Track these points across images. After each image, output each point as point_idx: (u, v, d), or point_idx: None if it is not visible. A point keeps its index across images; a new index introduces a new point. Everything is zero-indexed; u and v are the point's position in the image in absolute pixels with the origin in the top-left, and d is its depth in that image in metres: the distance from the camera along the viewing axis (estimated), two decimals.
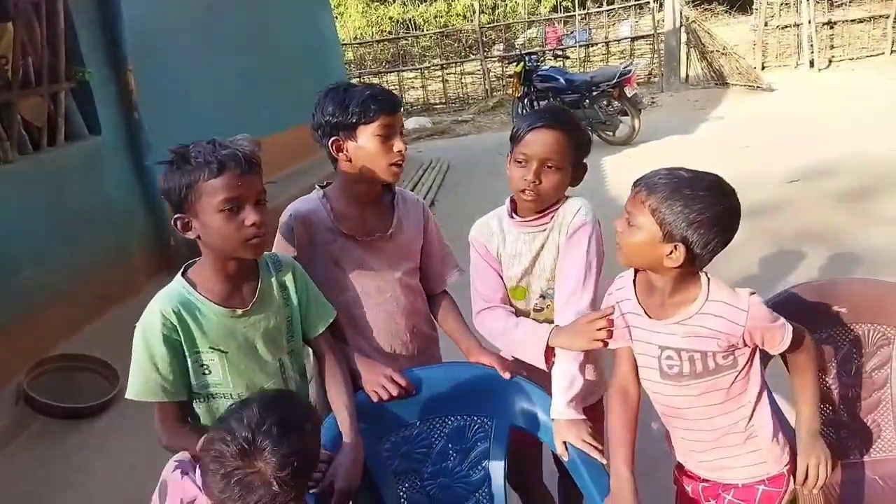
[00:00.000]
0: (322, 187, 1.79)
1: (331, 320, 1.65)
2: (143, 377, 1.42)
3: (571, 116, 1.73)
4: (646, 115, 9.03)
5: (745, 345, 1.40)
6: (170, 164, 1.39)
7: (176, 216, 1.40)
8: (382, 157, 1.65)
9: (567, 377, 1.59)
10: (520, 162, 1.64)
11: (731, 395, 1.44)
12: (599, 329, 1.51)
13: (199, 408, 1.50)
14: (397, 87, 14.31)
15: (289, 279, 1.58)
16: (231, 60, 6.29)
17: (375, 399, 1.64)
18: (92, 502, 2.85)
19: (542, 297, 1.78)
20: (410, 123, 12.26)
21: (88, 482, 2.97)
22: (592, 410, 1.85)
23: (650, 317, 1.44)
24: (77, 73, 4.44)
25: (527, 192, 1.63)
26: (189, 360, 1.45)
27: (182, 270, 1.50)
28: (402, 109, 1.70)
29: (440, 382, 1.70)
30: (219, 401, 1.48)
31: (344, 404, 1.59)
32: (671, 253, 1.32)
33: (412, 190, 7.19)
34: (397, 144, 1.66)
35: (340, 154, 1.68)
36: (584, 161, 1.71)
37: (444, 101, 14.38)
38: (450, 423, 1.69)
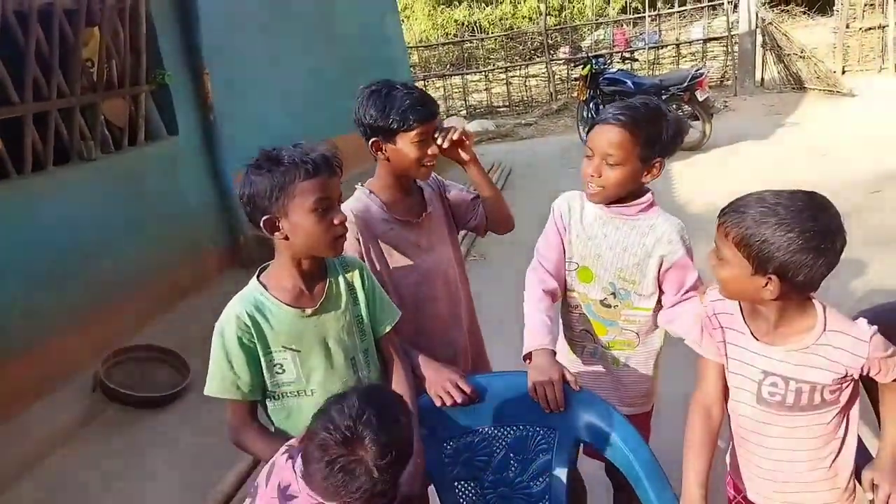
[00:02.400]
0: (362, 184, 1.89)
1: (396, 320, 1.67)
2: (220, 376, 1.49)
3: (650, 111, 1.67)
4: (718, 120, 8.74)
5: (860, 376, 1.33)
6: (257, 167, 1.44)
7: (265, 217, 1.44)
8: (418, 160, 1.75)
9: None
10: (588, 156, 1.70)
11: (826, 431, 1.37)
12: None
13: (273, 406, 1.55)
14: (461, 89, 14.34)
15: (356, 279, 1.62)
16: (300, 63, 6.44)
17: (439, 403, 1.64)
18: (158, 489, 2.95)
19: (613, 294, 1.79)
20: (473, 126, 12.25)
21: (156, 469, 3.08)
22: (639, 420, 1.84)
23: (756, 338, 1.36)
24: (157, 76, 4.63)
25: (590, 185, 1.70)
26: (263, 360, 1.50)
27: (257, 273, 1.56)
28: (435, 117, 1.76)
29: (504, 390, 1.68)
30: (293, 399, 1.53)
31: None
32: (766, 285, 1.24)
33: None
34: (432, 149, 1.76)
35: (379, 153, 1.78)
36: (659, 157, 1.68)
37: (507, 103, 14.30)
38: (512, 432, 1.67)
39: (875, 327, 1.31)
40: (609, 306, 1.80)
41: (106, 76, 4.22)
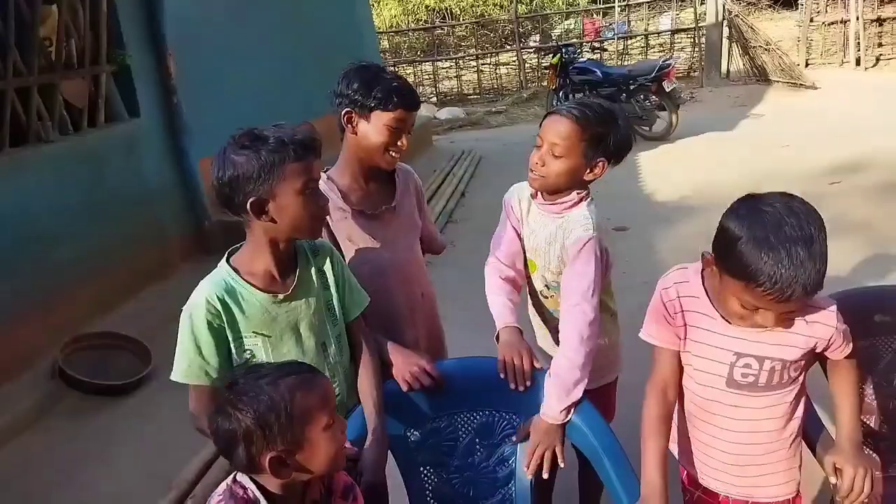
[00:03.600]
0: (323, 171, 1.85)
1: (365, 306, 1.66)
2: (187, 360, 1.45)
3: (603, 112, 1.69)
4: (684, 111, 8.85)
5: (822, 349, 1.37)
6: (240, 146, 1.40)
7: (252, 199, 1.39)
8: (385, 146, 1.73)
9: (570, 380, 1.58)
10: (538, 145, 1.71)
11: (788, 411, 1.41)
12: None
13: None
14: (431, 76, 14.27)
15: (326, 265, 1.60)
16: (268, 47, 6.32)
17: (406, 388, 1.64)
18: (120, 477, 2.90)
19: (546, 286, 1.82)
20: (443, 114, 12.21)
21: (118, 458, 3.03)
22: (601, 394, 1.85)
23: (728, 321, 1.36)
24: (118, 57, 4.50)
25: (533, 172, 1.71)
26: (233, 345, 1.48)
27: (226, 256, 1.52)
28: (415, 109, 1.75)
29: (470, 376, 1.69)
30: None
31: (372, 397, 1.59)
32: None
33: (443, 181, 7.16)
34: (403, 140, 1.74)
35: (349, 126, 1.74)
36: (602, 158, 1.69)
37: (478, 91, 14.27)
38: (478, 417, 1.68)
39: (833, 298, 1.36)
40: (546, 297, 1.84)
41: (64, 55, 4.09)
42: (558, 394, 1.57)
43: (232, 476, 1.22)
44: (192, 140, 4.93)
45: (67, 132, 4.19)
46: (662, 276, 1.48)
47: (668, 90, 8.20)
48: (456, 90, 14.35)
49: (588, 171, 1.69)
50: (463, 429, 1.69)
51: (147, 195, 4.64)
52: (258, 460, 1.14)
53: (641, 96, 8.38)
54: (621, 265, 4.59)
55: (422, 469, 1.67)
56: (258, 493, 1.18)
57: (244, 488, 1.18)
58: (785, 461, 1.44)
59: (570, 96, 9.07)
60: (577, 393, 1.58)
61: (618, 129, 1.69)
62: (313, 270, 1.57)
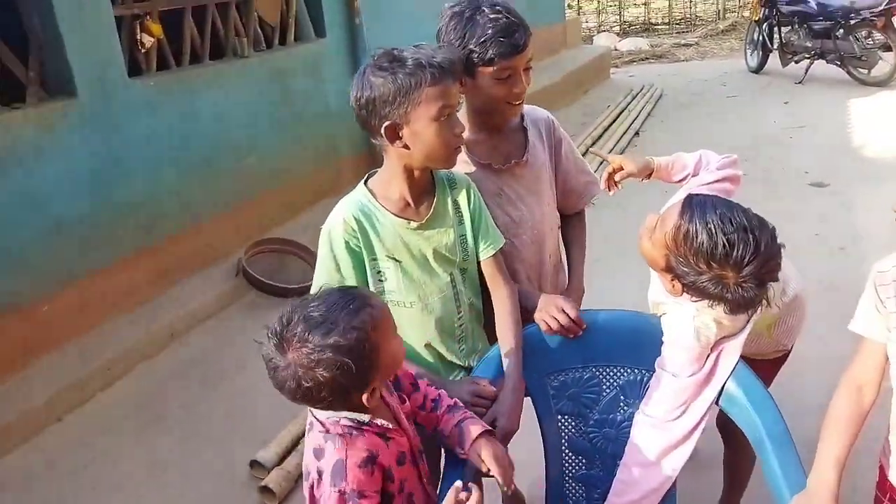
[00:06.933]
0: None
1: (500, 245, 1.59)
2: (326, 276, 1.49)
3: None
4: None
5: None
6: (378, 67, 1.37)
7: (387, 124, 1.37)
8: (500, 98, 1.57)
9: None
10: None
11: None
12: None
13: None
14: (616, 2, 13.40)
15: (462, 198, 1.55)
16: None
17: (544, 328, 1.58)
18: None
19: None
20: (626, 45, 11.50)
21: None
22: (763, 367, 1.67)
23: None
24: None
25: None
26: (367, 265, 1.49)
27: (365, 179, 1.53)
28: (521, 51, 1.51)
29: (623, 329, 1.60)
30: (393, 308, 1.51)
31: (510, 341, 1.55)
32: None
33: (617, 118, 6.79)
34: (518, 86, 1.55)
35: (462, 88, 1.53)
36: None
37: (667, 21, 13.22)
38: (626, 374, 1.59)
39: None
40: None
41: None
42: None
43: (313, 419, 1.21)
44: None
45: (261, 49, 4.46)
46: (879, 260, 1.25)
47: None
48: (643, 19, 13.39)
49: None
50: (607, 383, 1.61)
51: (327, 115, 4.85)
52: (350, 400, 1.15)
53: (863, 33, 7.25)
54: (814, 226, 4.12)
55: (559, 417, 1.63)
56: (354, 415, 1.18)
57: (337, 422, 1.18)
58: None
59: (777, 30, 8.07)
60: None
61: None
62: (449, 202, 1.53)
